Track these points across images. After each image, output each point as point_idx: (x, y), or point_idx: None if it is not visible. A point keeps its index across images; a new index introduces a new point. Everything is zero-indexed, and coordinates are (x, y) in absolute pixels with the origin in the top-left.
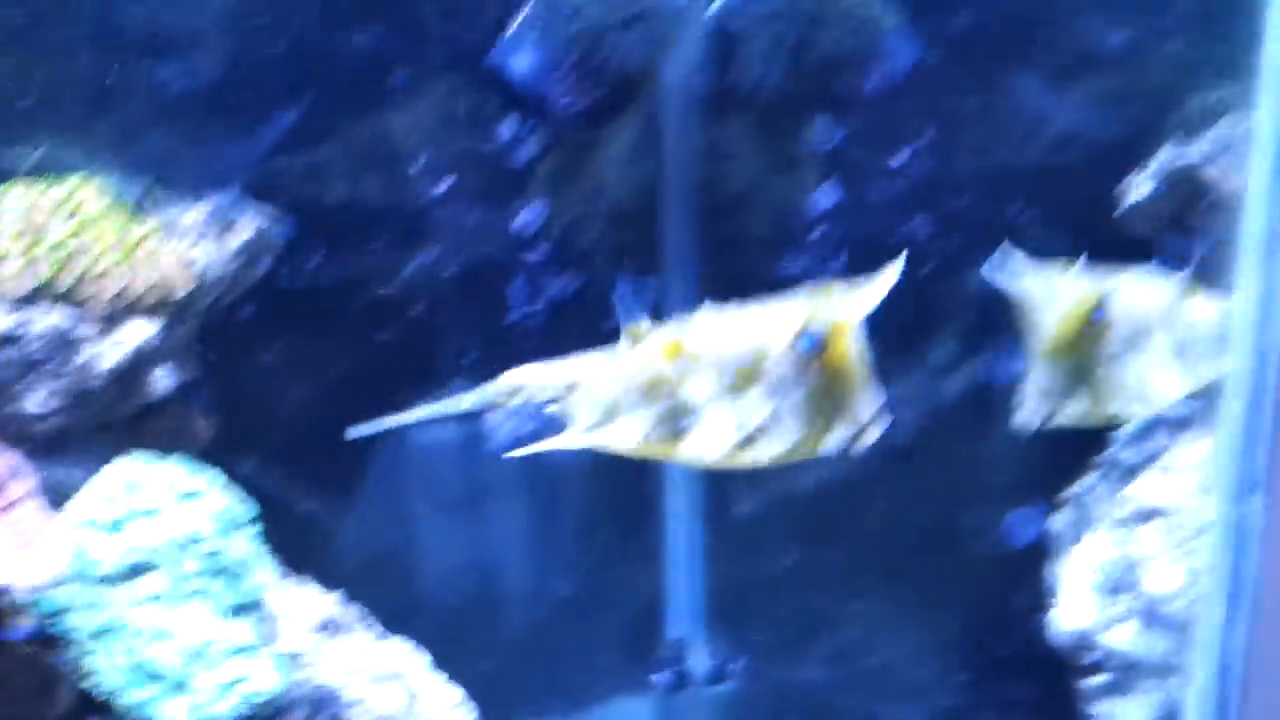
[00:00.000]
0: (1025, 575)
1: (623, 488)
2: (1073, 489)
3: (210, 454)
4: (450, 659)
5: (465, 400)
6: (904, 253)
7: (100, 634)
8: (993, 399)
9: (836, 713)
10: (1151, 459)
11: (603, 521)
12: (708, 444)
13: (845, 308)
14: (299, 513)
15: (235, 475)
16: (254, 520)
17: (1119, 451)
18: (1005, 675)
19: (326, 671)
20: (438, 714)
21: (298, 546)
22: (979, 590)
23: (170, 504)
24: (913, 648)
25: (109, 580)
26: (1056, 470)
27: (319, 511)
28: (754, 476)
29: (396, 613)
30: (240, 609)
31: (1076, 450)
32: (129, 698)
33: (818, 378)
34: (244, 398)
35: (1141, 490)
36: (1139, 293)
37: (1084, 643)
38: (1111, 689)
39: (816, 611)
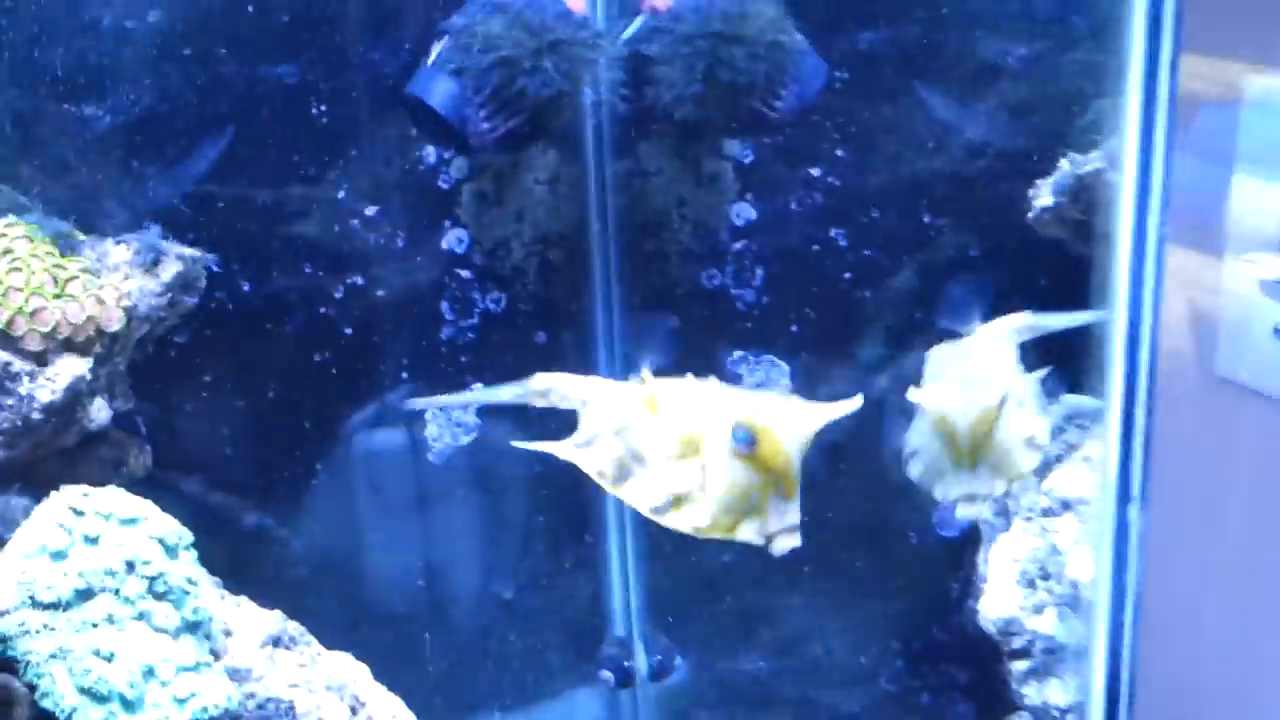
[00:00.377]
0: (954, 565)
1: (564, 493)
2: None
3: (148, 480)
4: (400, 664)
5: (504, 392)
6: (859, 396)
7: (52, 658)
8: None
9: (778, 701)
10: (1071, 450)
11: (546, 526)
12: (641, 495)
13: (786, 421)
14: (237, 533)
15: (173, 499)
16: (193, 544)
17: None
18: (939, 660)
19: (275, 685)
20: (381, 718)
21: (239, 566)
22: (911, 581)
23: (112, 530)
24: (850, 637)
25: (57, 606)
26: None
27: (257, 531)
28: None
29: (340, 625)
30: (187, 628)
31: None
32: (84, 717)
33: (743, 472)
34: (178, 425)
35: (1061, 482)
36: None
37: (1010, 628)
38: (1037, 672)
39: (755, 605)
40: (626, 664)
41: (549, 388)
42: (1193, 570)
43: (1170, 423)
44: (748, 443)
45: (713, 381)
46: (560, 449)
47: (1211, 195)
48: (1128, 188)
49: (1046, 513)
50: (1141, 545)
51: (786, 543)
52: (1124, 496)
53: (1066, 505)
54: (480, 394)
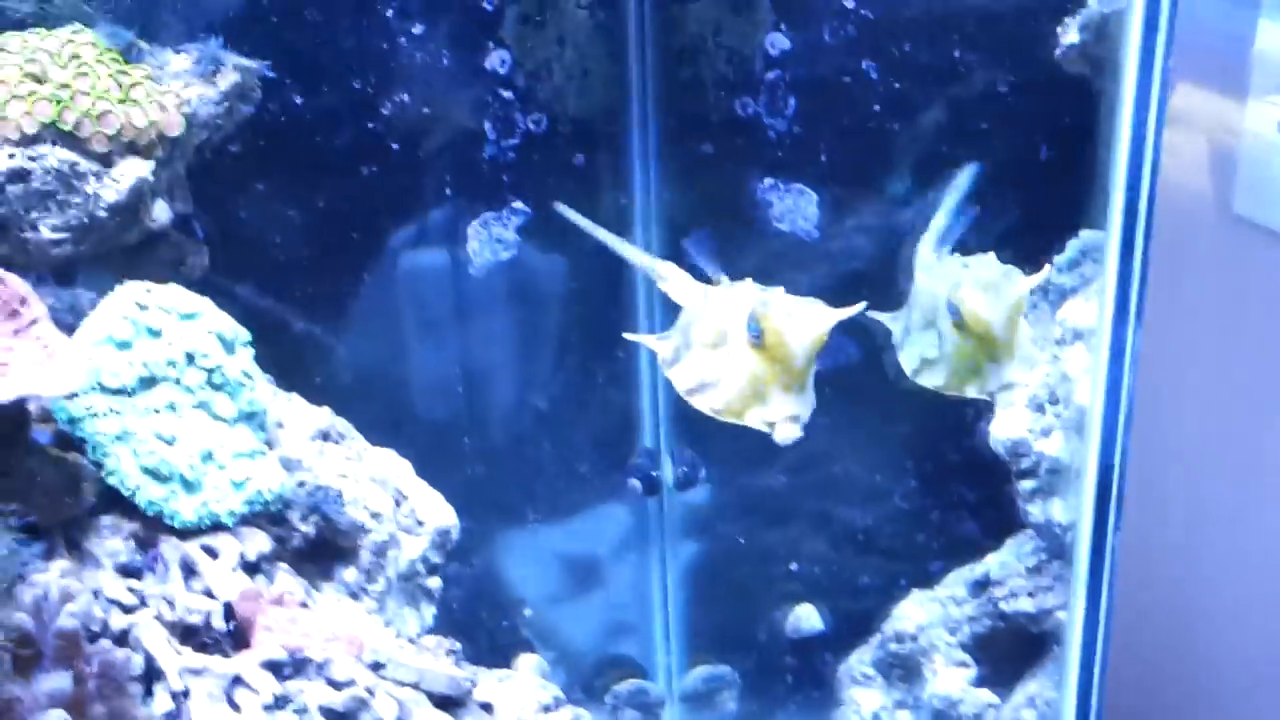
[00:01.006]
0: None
1: (599, 310)
2: None
3: (204, 282)
4: (438, 466)
5: (631, 251)
6: (863, 303)
7: (117, 439)
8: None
9: (796, 515)
10: (1087, 283)
11: (580, 341)
12: (680, 378)
13: (795, 319)
14: (287, 337)
15: (228, 302)
16: (249, 342)
17: (1056, 277)
18: (950, 480)
19: (324, 474)
20: (425, 512)
21: (288, 369)
22: (925, 405)
23: (173, 324)
24: (867, 457)
25: (122, 392)
26: None
27: (306, 336)
28: None
29: (383, 427)
30: (243, 418)
31: None
32: (146, 495)
33: (754, 362)
34: (233, 230)
35: (1074, 312)
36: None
37: (1019, 449)
38: (1042, 490)
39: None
40: (654, 474)
41: (664, 275)
42: (1198, 398)
43: (1187, 259)
44: (756, 334)
45: (778, 291)
46: (648, 340)
47: (1236, 38)
48: (1136, 18)
49: (1059, 342)
50: (1134, 365)
51: (786, 432)
52: (1121, 318)
53: (1078, 335)
54: (612, 238)
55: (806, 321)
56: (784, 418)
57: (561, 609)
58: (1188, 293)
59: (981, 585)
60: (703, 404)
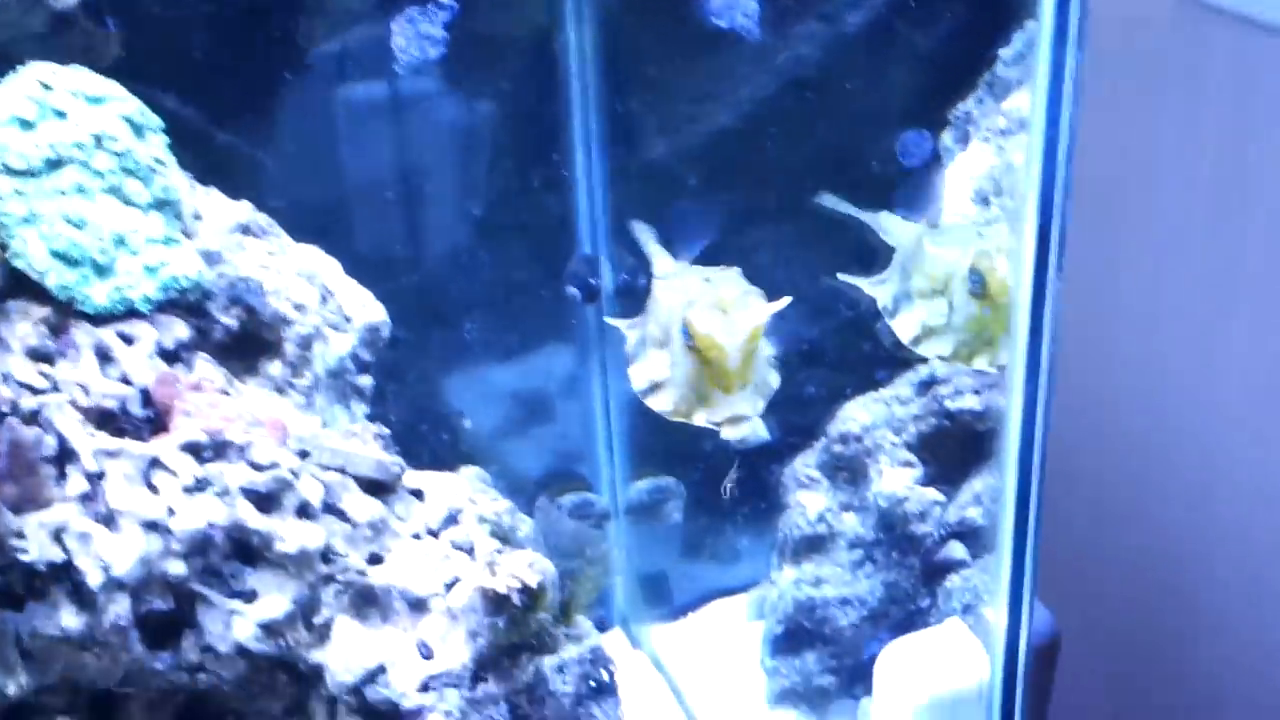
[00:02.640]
0: (916, 186)
1: (533, 107)
2: (960, 107)
3: (117, 71)
4: (368, 271)
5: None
6: (789, 298)
7: (24, 222)
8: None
9: None
10: (1030, 75)
11: (514, 144)
12: (635, 377)
13: (728, 322)
14: (205, 140)
15: (142, 94)
16: (163, 129)
17: (1003, 70)
18: None
19: (245, 266)
20: (353, 308)
21: (207, 167)
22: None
23: (80, 107)
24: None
25: (28, 174)
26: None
27: (225, 135)
28: (660, 116)
29: (308, 231)
30: (156, 205)
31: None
32: (56, 279)
33: (694, 365)
34: (147, 23)
35: (1021, 101)
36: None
37: None
38: None
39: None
40: (592, 281)
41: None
42: (1147, 178)
43: (1140, 42)
44: (688, 340)
45: (730, 274)
46: (622, 325)
47: None
48: None
49: (1004, 133)
50: (1070, 154)
51: (731, 433)
52: (1054, 101)
53: (1023, 125)
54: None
55: (736, 324)
56: (726, 419)
57: (500, 422)
58: (1143, 78)
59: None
60: (654, 405)
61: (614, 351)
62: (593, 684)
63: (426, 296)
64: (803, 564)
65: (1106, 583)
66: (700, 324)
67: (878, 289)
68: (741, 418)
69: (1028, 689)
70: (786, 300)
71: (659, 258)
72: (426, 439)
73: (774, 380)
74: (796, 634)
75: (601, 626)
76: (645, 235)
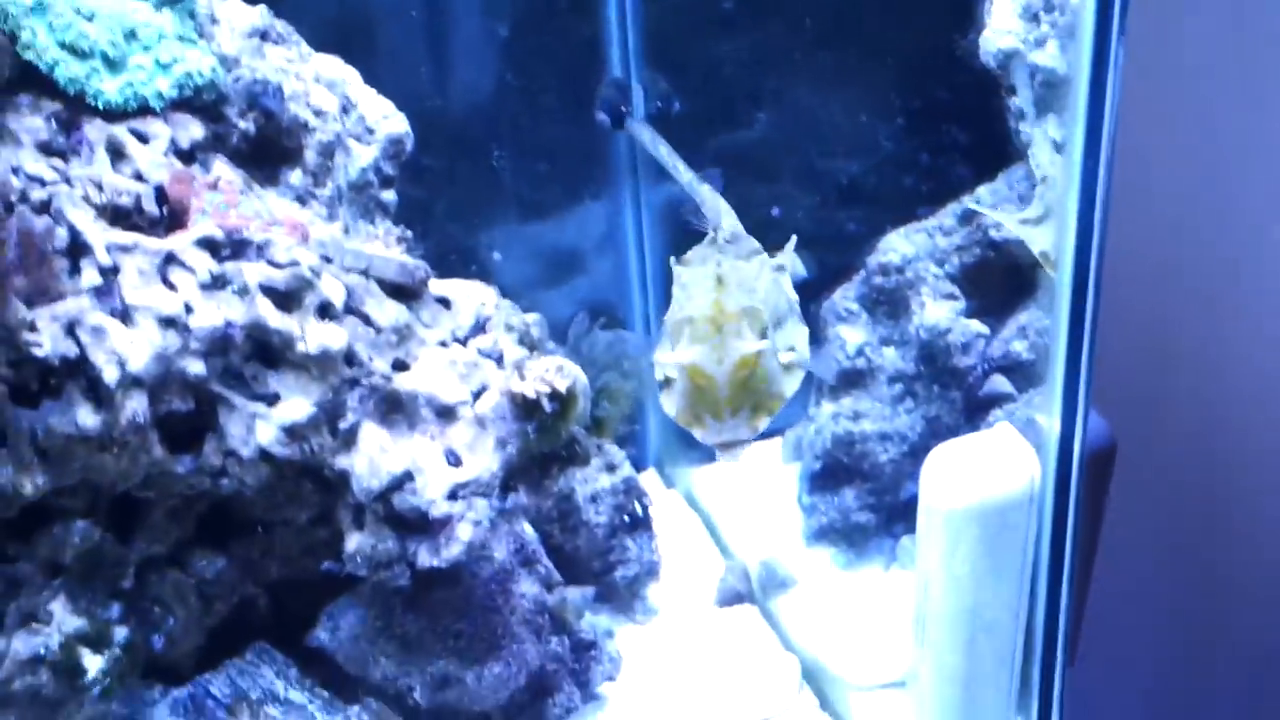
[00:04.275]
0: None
1: None
2: None
3: None
4: (392, 93)
5: (683, 169)
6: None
7: (32, 11)
8: None
9: (781, 166)
10: None
11: None
12: (657, 361)
13: (718, 347)
14: None
15: None
16: None
17: None
18: (939, 119)
19: (264, 72)
20: (375, 119)
21: None
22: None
23: None
24: (851, 99)
25: None
26: None
27: None
28: None
29: (329, 44)
30: (169, 2)
31: None
32: (66, 71)
33: (690, 386)
34: None
35: None
36: None
37: (1011, 61)
38: (1035, 107)
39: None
40: (623, 107)
41: (704, 199)
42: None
43: None
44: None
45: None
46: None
47: None
48: None
49: None
50: None
51: (723, 457)
52: None
53: None
54: (669, 156)
55: (727, 351)
56: (717, 444)
57: (530, 253)
58: None
59: (970, 214)
60: (663, 404)
61: (648, 183)
62: (626, 517)
63: (451, 123)
64: (841, 399)
65: (1165, 396)
66: (687, 355)
67: (1032, 231)
68: (736, 443)
69: (1081, 496)
70: (796, 359)
71: (725, 215)
72: (455, 271)
73: (790, 385)
74: (835, 470)
75: (637, 467)
76: (710, 193)
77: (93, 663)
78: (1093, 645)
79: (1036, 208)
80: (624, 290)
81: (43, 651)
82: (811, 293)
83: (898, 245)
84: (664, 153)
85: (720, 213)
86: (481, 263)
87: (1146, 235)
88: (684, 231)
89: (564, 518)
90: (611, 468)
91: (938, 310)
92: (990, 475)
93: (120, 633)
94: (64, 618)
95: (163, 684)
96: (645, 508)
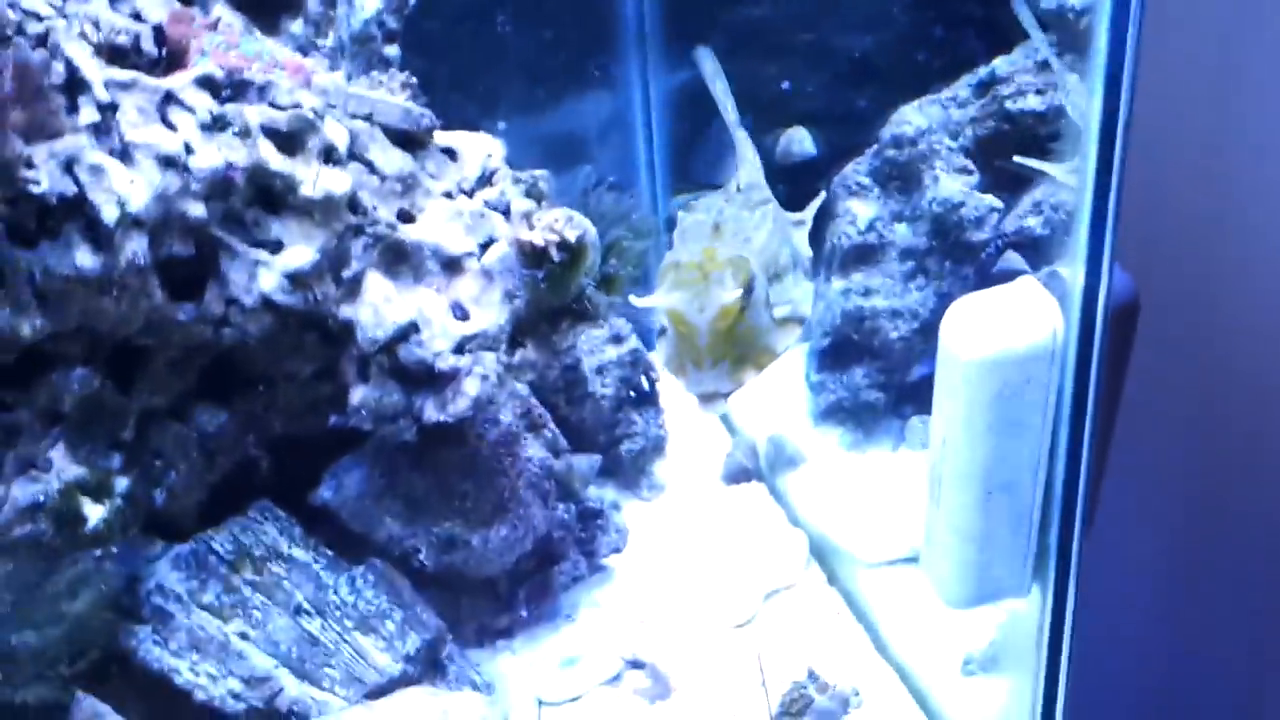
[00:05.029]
0: None
1: None
2: None
3: None
4: None
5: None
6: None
7: None
8: None
9: (791, 43)
10: None
11: None
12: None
13: (701, 294)
14: None
15: None
16: None
17: None
18: None
19: None
20: None
21: None
22: None
23: None
24: None
25: None
26: None
27: None
28: None
29: None
30: None
31: None
32: None
33: (673, 329)
34: None
35: None
36: None
37: None
38: None
39: None
40: None
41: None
42: None
43: None
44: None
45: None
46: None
47: None
48: None
49: None
50: None
51: (704, 408)
52: None
53: None
54: (724, 95)
55: (710, 299)
56: (698, 394)
57: (535, 127)
58: None
59: (986, 85)
60: (657, 351)
61: (657, 62)
62: (633, 391)
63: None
64: (851, 274)
65: (1189, 253)
66: (667, 300)
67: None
68: (715, 395)
69: (1105, 349)
70: (791, 313)
71: (747, 164)
72: None
73: (782, 341)
74: (844, 347)
75: (646, 344)
76: (744, 138)
77: (93, 511)
78: (1110, 508)
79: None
80: (631, 171)
81: (42, 498)
82: (820, 171)
83: (912, 117)
84: (720, 89)
85: (745, 160)
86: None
87: (1177, 94)
88: (691, 125)
89: (570, 388)
90: (619, 339)
91: (951, 184)
92: (1013, 326)
93: (121, 483)
94: (63, 466)
95: (164, 539)
96: (652, 382)
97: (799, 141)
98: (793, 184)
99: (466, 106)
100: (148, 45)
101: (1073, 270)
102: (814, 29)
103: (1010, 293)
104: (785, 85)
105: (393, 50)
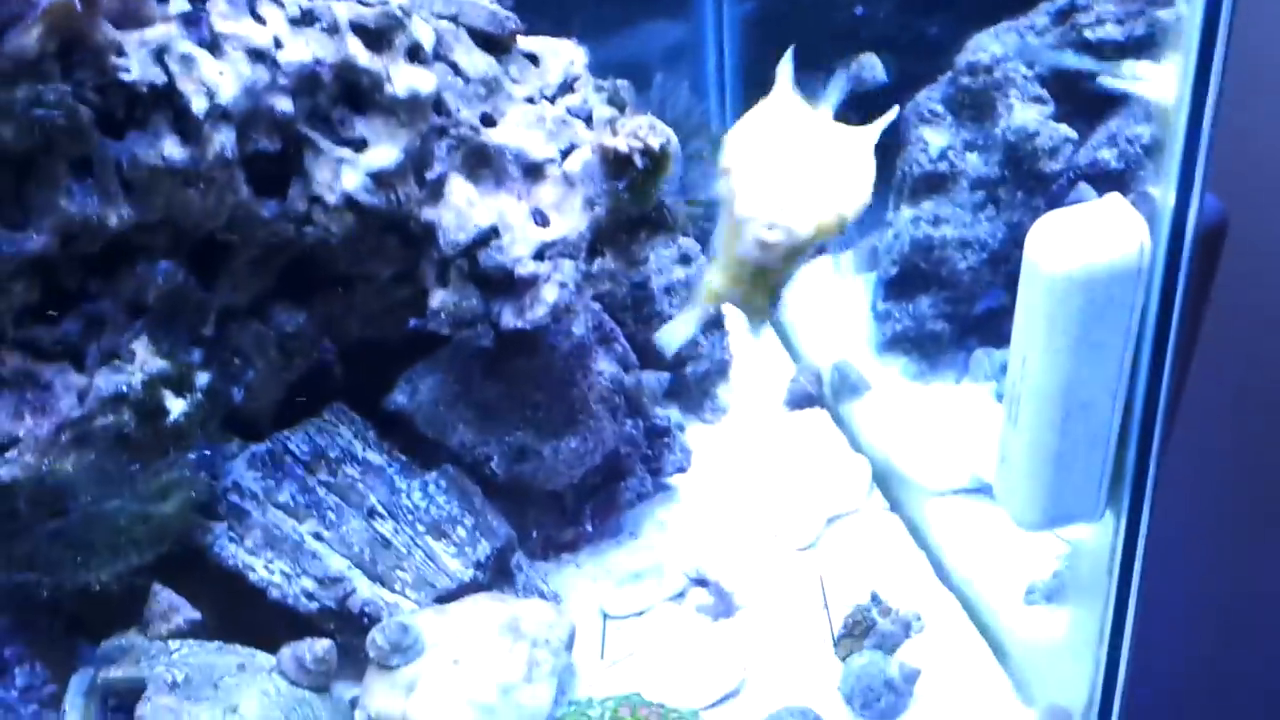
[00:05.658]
0: None
1: None
2: None
3: None
4: None
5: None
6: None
7: None
8: None
9: None
10: None
11: None
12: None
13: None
14: None
15: None
16: None
17: None
18: None
19: None
20: None
21: None
22: None
23: None
24: None
25: None
26: None
27: None
28: None
29: None
30: None
31: None
32: None
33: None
34: None
35: None
36: None
37: None
38: None
39: None
40: None
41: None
42: None
43: None
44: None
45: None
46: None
47: None
48: None
49: None
50: None
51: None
52: None
53: None
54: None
55: (805, 214)
56: (753, 314)
57: (606, 49)
58: None
59: (1065, 12)
60: (708, 278)
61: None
62: None
63: None
64: (922, 203)
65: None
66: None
67: None
68: (760, 323)
69: (1191, 270)
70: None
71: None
72: None
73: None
74: (911, 276)
75: None
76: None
77: (175, 405)
78: (1184, 433)
79: None
80: (702, 94)
81: (125, 389)
82: (890, 99)
83: (988, 44)
84: None
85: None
86: None
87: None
88: (762, 55)
89: (638, 306)
90: (687, 259)
91: (1026, 113)
92: (1100, 242)
93: (202, 378)
94: (146, 358)
95: (240, 438)
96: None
97: (871, 68)
98: (864, 111)
99: (539, 25)
100: None
101: (1163, 190)
102: None
103: (1098, 210)
104: (859, 11)
105: None
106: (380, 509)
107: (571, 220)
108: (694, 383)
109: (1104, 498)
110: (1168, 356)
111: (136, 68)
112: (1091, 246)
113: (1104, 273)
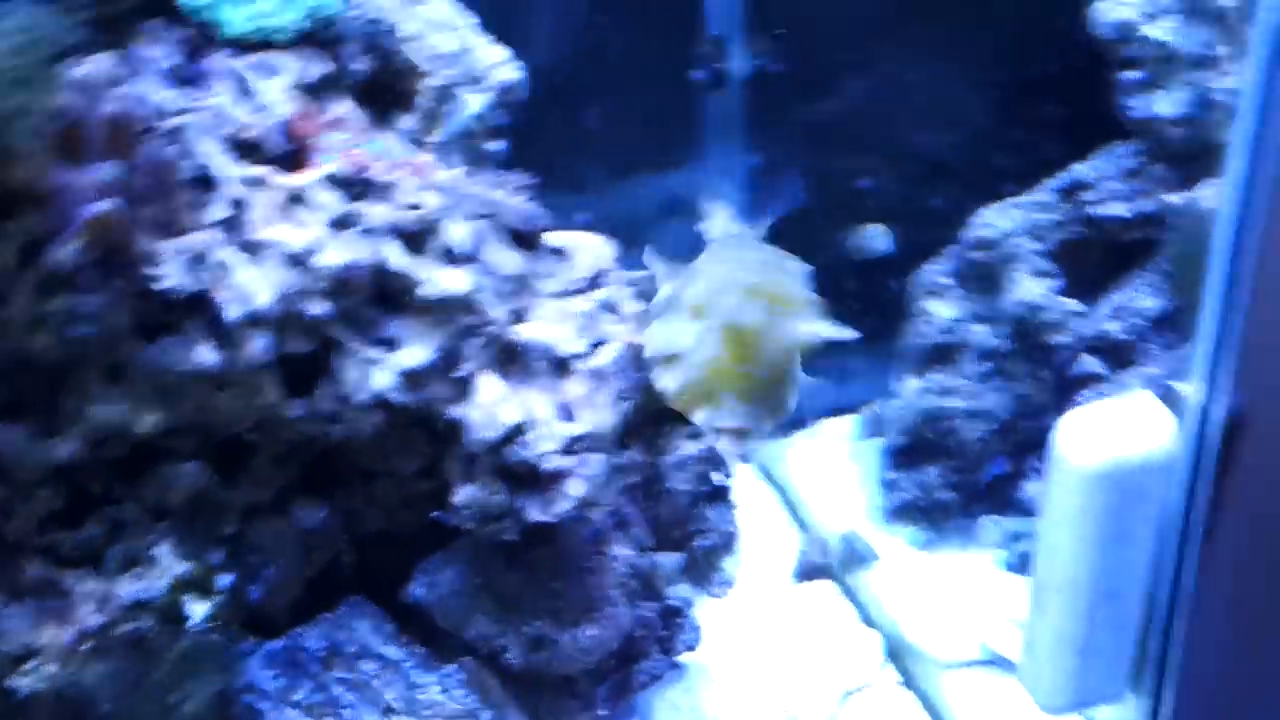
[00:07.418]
0: None
1: None
2: None
3: None
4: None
5: None
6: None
7: None
8: None
9: (870, 140)
10: None
11: None
12: (652, 338)
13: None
14: None
15: None
16: None
17: None
18: (1044, 90)
19: (384, 7)
20: (486, 66)
21: None
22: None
23: None
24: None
25: None
26: None
27: None
28: None
29: None
30: None
31: None
32: None
33: (721, 348)
34: None
35: None
36: None
37: (1126, 33)
38: (1147, 83)
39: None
40: (719, 66)
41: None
42: None
43: None
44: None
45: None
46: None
47: None
48: None
49: None
50: None
51: (725, 445)
52: None
53: None
54: None
55: (783, 325)
56: (727, 427)
57: (626, 209)
58: None
59: (1071, 190)
60: (659, 379)
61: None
62: (706, 487)
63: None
64: (929, 374)
65: None
66: (740, 313)
67: None
68: (743, 431)
69: (1218, 466)
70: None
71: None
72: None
73: (792, 403)
74: (919, 446)
75: None
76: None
77: (197, 609)
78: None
79: None
80: None
81: (147, 595)
82: (896, 268)
83: (994, 220)
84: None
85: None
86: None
87: None
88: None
89: (649, 484)
90: (695, 435)
91: (1033, 287)
92: (1130, 438)
93: (224, 579)
94: (170, 562)
95: (255, 636)
96: (726, 477)
97: (875, 238)
98: (867, 280)
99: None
100: (275, 141)
101: (1192, 387)
102: (892, 127)
103: (1128, 404)
104: (864, 183)
105: (497, 145)
106: (396, 705)
107: (601, 414)
108: (702, 557)
109: (1127, 684)
110: (1194, 549)
111: (173, 276)
112: (1122, 442)
113: (1135, 468)
